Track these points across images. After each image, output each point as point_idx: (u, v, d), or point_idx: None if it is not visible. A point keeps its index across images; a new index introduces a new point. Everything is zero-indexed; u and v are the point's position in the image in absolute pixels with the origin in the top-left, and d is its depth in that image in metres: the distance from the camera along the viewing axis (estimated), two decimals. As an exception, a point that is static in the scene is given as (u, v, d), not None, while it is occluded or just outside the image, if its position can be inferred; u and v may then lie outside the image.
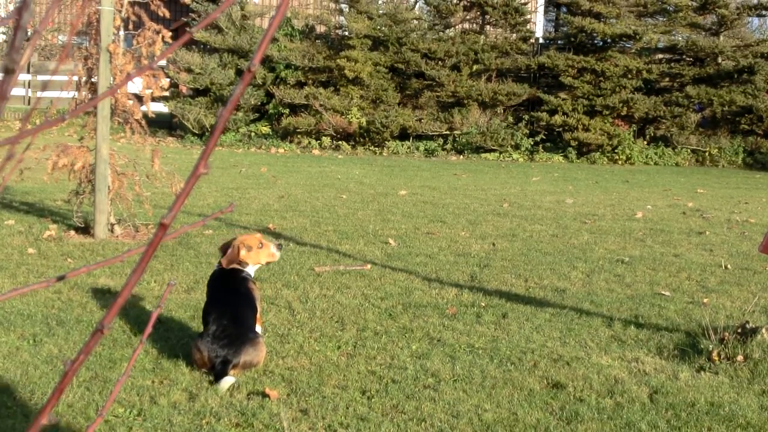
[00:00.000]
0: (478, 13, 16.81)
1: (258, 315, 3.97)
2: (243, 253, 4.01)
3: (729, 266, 6.37)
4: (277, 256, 4.22)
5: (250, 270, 4.08)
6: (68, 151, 6.42)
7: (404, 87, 16.22)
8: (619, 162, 15.66)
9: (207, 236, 6.76)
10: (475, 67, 16.14)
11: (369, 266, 5.92)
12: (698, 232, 7.94)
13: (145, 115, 6.81)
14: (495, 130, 15.68)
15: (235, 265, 4.03)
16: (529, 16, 17.43)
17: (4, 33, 17.31)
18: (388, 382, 3.69)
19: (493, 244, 6.97)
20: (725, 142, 15.95)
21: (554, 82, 16.47)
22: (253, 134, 15.99)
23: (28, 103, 19.40)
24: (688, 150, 15.95)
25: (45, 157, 6.50)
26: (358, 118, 15.56)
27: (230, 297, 3.91)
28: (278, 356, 3.96)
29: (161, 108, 16.20)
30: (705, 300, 5.32)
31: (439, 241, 7.06)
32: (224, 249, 4.10)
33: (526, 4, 16.99)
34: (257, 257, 4.07)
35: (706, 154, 15.96)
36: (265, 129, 16.06)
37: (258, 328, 3.92)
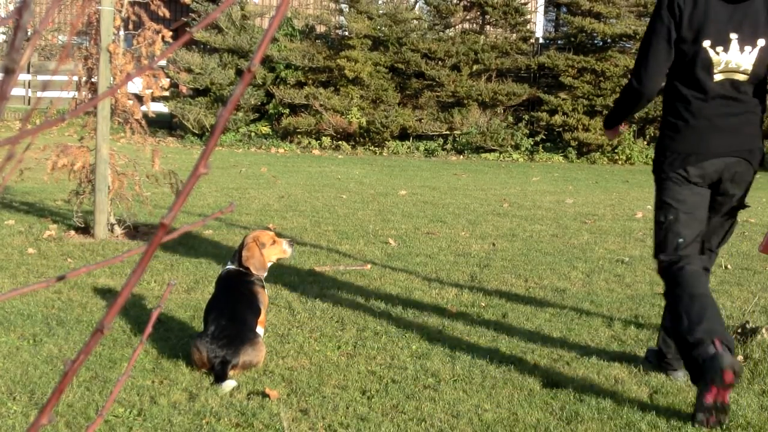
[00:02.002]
0: (478, 13, 16.81)
1: (262, 318, 3.96)
2: (257, 251, 3.99)
3: (729, 266, 6.37)
4: (288, 253, 4.17)
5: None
6: (68, 151, 6.42)
7: (404, 87, 16.22)
8: (619, 162, 15.67)
9: (207, 236, 6.76)
10: (475, 67, 16.14)
11: (369, 266, 5.92)
12: (698, 232, 7.94)
13: (145, 115, 6.81)
14: (495, 130, 15.68)
15: (243, 268, 4.01)
16: (529, 16, 17.42)
17: (4, 33, 17.29)
18: (388, 382, 3.69)
19: (493, 244, 6.97)
20: (725, 142, 15.95)
21: (554, 82, 16.47)
22: (253, 134, 15.99)
23: (28, 103, 19.40)
24: (688, 150, 15.94)
25: (45, 157, 6.50)
26: (358, 118, 15.56)
27: (232, 297, 3.91)
28: (278, 356, 3.96)
29: (161, 108, 16.20)
30: (705, 300, 5.32)
31: (439, 241, 7.06)
32: (237, 252, 4.08)
33: (526, 4, 16.99)
34: (269, 254, 4.06)
35: (706, 154, 15.95)
36: (265, 129, 16.06)
37: (260, 330, 3.92)
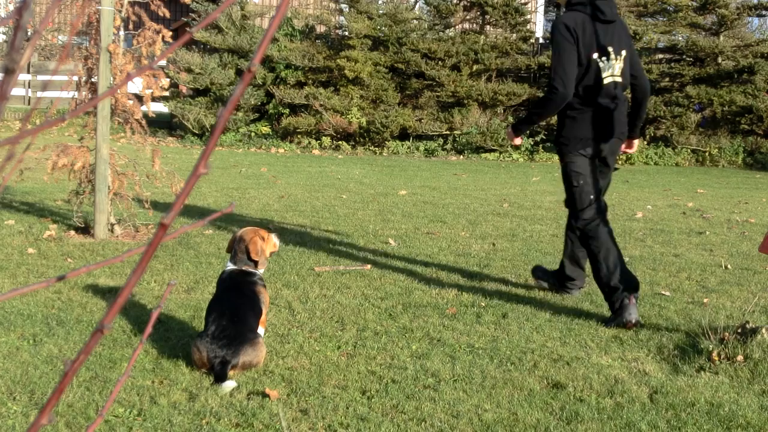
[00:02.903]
0: (478, 13, 16.81)
1: (262, 318, 3.97)
2: (261, 244, 4.10)
3: (729, 266, 6.37)
4: (278, 246, 4.32)
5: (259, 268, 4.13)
6: (68, 151, 6.42)
7: (404, 87, 16.22)
8: (619, 162, 15.67)
9: (207, 236, 6.76)
10: (475, 67, 16.14)
11: (369, 266, 5.92)
12: (698, 232, 7.94)
13: (145, 115, 6.81)
14: (495, 130, 15.68)
15: (245, 267, 4.05)
16: (529, 16, 17.43)
17: (4, 33, 17.30)
18: (388, 382, 3.69)
19: (493, 244, 6.97)
20: (725, 142, 15.95)
21: (554, 82, 16.45)
22: (253, 134, 15.99)
23: (28, 103, 19.41)
24: (688, 150, 15.95)
25: (45, 157, 6.50)
26: (358, 118, 15.55)
27: (233, 297, 3.91)
28: (278, 356, 3.96)
29: (161, 108, 16.20)
30: (705, 300, 5.32)
31: (439, 241, 7.06)
32: (235, 250, 4.12)
33: (526, 4, 16.99)
34: (266, 249, 4.17)
35: (706, 154, 15.96)
36: (265, 129, 16.06)
37: (261, 330, 3.92)
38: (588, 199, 4.88)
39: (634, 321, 4.57)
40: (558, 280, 5.37)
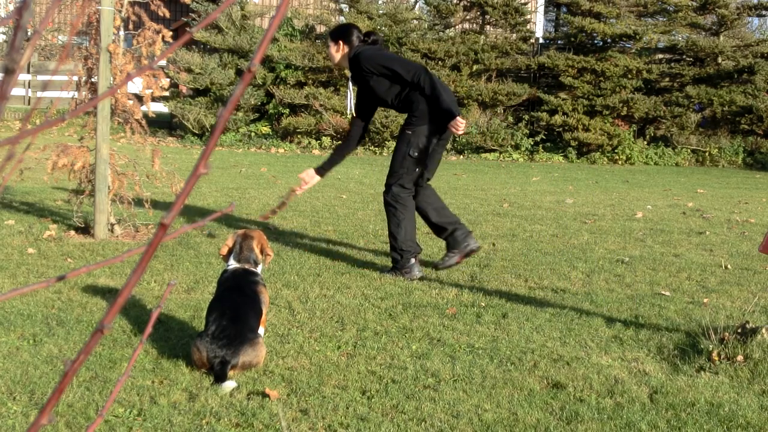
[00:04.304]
0: (478, 13, 16.82)
1: (263, 318, 3.98)
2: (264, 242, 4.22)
3: (729, 266, 6.37)
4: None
5: (259, 268, 4.16)
6: (68, 151, 6.42)
7: (404, 87, 16.21)
8: (619, 162, 15.67)
9: (207, 236, 6.76)
10: (475, 67, 16.14)
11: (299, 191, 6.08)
12: (698, 232, 7.94)
13: (145, 115, 6.80)
14: (495, 130, 15.68)
15: (248, 266, 4.08)
16: (529, 16, 17.43)
17: (4, 33, 17.31)
18: (388, 382, 3.69)
19: (493, 244, 6.97)
20: (725, 142, 15.95)
21: (554, 82, 16.47)
22: (253, 134, 15.99)
23: (28, 103, 19.41)
24: (688, 150, 15.95)
25: (45, 157, 6.50)
26: (358, 118, 15.55)
27: (234, 297, 3.91)
28: (278, 356, 3.96)
29: (161, 108, 16.20)
30: (705, 300, 5.32)
31: (439, 241, 7.05)
32: (241, 247, 4.15)
33: (526, 4, 16.99)
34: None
35: (706, 154, 15.96)
36: (265, 129, 16.06)
37: (261, 330, 3.92)
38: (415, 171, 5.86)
39: (419, 276, 5.63)
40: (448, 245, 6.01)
